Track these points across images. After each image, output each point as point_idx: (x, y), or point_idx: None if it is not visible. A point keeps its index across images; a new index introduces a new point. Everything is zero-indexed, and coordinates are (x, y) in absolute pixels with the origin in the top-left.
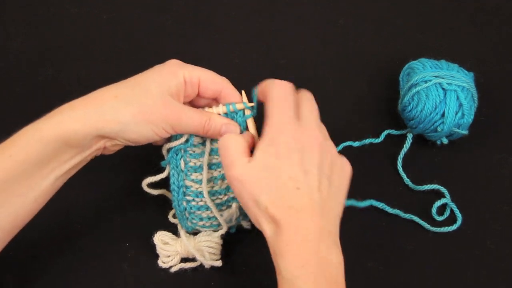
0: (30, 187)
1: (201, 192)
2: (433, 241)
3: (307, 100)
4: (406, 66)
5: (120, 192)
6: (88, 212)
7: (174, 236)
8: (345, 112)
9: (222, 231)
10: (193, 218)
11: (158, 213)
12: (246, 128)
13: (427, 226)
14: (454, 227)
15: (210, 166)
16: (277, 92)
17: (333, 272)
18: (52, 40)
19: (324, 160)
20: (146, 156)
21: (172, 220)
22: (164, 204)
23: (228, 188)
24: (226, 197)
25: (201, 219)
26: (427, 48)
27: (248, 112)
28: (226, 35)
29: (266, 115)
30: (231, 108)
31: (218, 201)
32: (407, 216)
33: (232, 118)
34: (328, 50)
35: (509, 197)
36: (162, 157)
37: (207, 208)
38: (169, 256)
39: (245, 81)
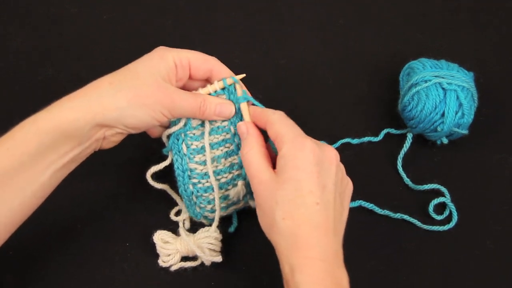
0: (29, 180)
1: (206, 174)
2: (433, 241)
3: None
4: (406, 66)
5: (120, 192)
6: (88, 212)
7: (174, 235)
8: (345, 112)
9: (220, 213)
10: (201, 202)
11: (158, 213)
12: (240, 113)
13: (418, 223)
14: (447, 226)
15: (212, 146)
16: (279, 115)
17: None
18: (52, 40)
19: (338, 176)
20: (146, 156)
21: (174, 218)
22: (165, 204)
23: (232, 166)
24: (230, 175)
25: (209, 202)
26: (427, 48)
27: (240, 92)
28: (226, 35)
29: (276, 136)
30: (221, 84)
31: (223, 180)
32: (397, 215)
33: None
34: (328, 50)
35: (509, 197)
36: (162, 157)
37: (214, 190)
38: (169, 255)
39: (245, 81)
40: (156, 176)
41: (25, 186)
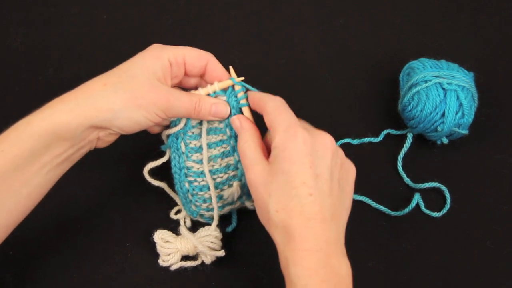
0: (23, 182)
1: (202, 172)
2: (433, 241)
3: None
4: (406, 66)
5: (120, 192)
6: (88, 212)
7: (174, 234)
8: (345, 112)
9: (219, 212)
10: (196, 200)
11: (159, 213)
12: (240, 112)
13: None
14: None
15: (209, 145)
16: (275, 103)
17: (342, 285)
18: (52, 40)
19: (335, 163)
20: (146, 153)
21: (173, 217)
22: (164, 204)
23: (228, 167)
24: (226, 176)
25: (205, 201)
26: (427, 48)
27: (238, 90)
28: (226, 35)
29: (271, 125)
30: (221, 85)
31: (218, 179)
32: (397, 213)
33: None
34: (328, 50)
35: (509, 197)
36: (160, 154)
37: (210, 189)
38: (169, 254)
39: (245, 81)
40: (155, 174)
41: (20, 187)
